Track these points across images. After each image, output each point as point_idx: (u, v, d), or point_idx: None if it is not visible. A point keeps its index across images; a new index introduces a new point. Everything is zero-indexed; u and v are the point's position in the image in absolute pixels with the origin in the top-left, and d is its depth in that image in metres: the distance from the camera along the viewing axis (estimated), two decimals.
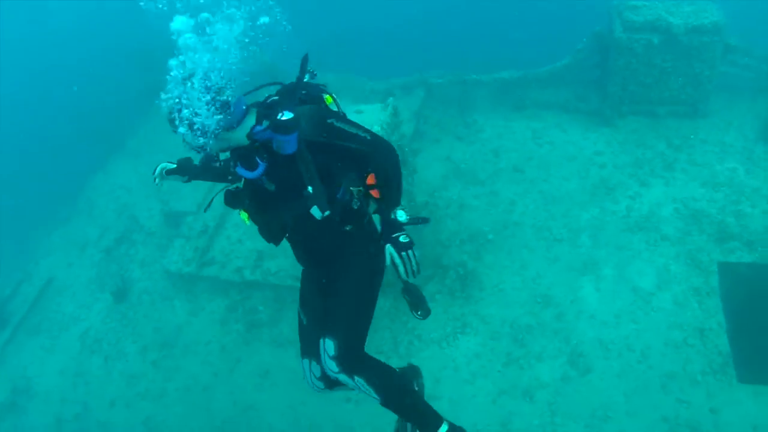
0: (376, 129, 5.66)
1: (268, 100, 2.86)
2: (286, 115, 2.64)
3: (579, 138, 8.49)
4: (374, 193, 2.85)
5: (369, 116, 6.07)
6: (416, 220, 2.89)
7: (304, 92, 2.87)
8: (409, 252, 2.71)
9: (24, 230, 10.61)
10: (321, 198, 2.69)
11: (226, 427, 6.36)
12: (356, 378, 2.84)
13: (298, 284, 3.39)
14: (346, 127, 2.75)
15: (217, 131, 2.64)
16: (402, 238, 2.72)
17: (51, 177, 11.14)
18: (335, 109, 2.96)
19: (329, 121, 2.73)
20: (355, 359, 2.88)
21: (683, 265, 6.52)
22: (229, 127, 2.70)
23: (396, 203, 2.84)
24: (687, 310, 6.12)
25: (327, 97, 2.96)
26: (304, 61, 3.05)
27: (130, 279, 8.60)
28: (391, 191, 2.83)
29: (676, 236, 6.85)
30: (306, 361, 3.23)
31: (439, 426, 2.92)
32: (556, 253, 6.96)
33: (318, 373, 3.16)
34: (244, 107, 2.76)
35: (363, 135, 2.75)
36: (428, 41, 11.78)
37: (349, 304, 2.95)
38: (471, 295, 6.75)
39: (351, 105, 6.37)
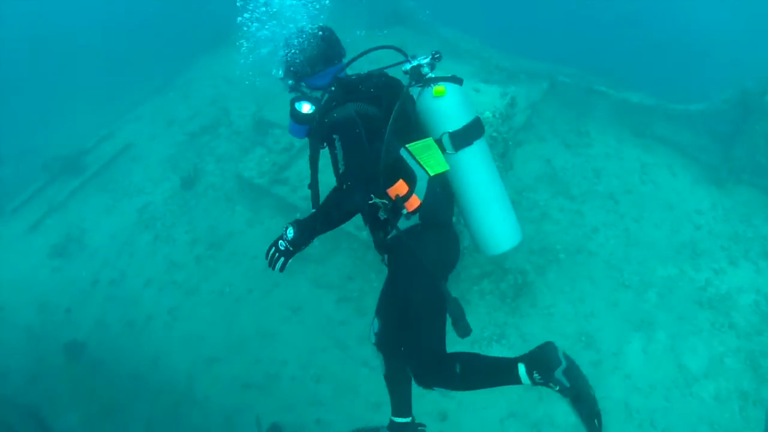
0: (487, 114, 5.65)
1: (349, 79, 3.15)
2: (302, 106, 3.06)
3: (686, 188, 8.17)
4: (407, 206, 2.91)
5: (485, 98, 6.00)
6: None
7: (372, 89, 3.06)
8: (272, 250, 3.09)
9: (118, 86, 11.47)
10: (314, 193, 3.10)
11: (241, 346, 6.74)
12: (380, 357, 3.41)
13: (357, 233, 3.57)
14: (341, 149, 2.88)
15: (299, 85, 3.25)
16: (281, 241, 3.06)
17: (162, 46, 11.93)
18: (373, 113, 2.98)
19: (334, 135, 2.91)
20: (386, 346, 3.29)
21: (740, 363, 6.16)
22: (313, 88, 3.21)
23: (307, 223, 3.00)
24: (725, 411, 5.81)
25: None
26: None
27: (202, 169, 9.14)
28: (317, 213, 3.00)
29: (745, 330, 6.45)
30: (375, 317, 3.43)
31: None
32: (618, 298, 6.81)
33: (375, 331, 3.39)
34: (329, 78, 3.14)
35: (341, 165, 2.89)
36: (570, 28, 11.53)
37: (386, 295, 3.24)
38: (519, 307, 6.71)
39: (471, 80, 6.31)
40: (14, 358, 7.10)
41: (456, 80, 3.11)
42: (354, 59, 3.23)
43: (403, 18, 11.11)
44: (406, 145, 2.94)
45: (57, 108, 11.78)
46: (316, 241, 3.15)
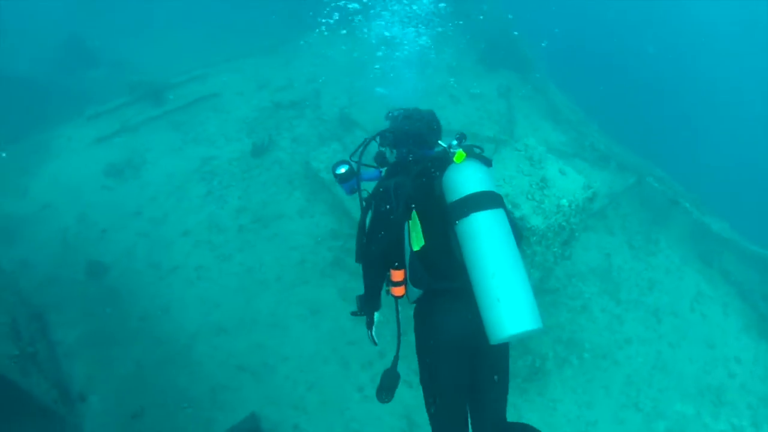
0: (563, 203, 6.00)
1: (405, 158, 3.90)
2: (340, 168, 4.01)
3: (733, 332, 8.30)
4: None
5: (568, 185, 6.29)
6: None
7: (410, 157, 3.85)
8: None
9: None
10: (357, 244, 3.67)
11: (251, 328, 7.23)
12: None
13: None
14: (363, 211, 3.70)
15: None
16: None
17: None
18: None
19: (363, 196, 3.81)
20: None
21: None
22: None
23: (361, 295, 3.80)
24: None
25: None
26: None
27: (276, 143, 9.76)
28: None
29: None
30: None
31: None
32: (625, 418, 7.01)
33: None
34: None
35: (360, 229, 3.68)
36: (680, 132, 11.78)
37: None
38: (527, 390, 6.98)
39: (559, 159, 6.65)
40: (40, 255, 7.84)
41: (483, 159, 3.59)
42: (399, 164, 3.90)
43: (516, 64, 11.55)
44: (407, 222, 3.52)
45: (167, 29, 12.77)
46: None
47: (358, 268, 4.03)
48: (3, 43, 11.52)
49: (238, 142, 9.82)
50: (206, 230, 8.33)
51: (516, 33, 11.60)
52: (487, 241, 3.20)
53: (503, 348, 3.47)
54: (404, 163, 3.81)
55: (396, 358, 3.72)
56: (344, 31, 12.14)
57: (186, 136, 9.89)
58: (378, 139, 4.03)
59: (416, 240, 3.42)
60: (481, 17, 11.57)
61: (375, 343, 3.87)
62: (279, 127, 10.21)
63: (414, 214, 3.49)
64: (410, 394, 6.15)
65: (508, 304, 3.08)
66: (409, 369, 5.35)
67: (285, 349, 7.06)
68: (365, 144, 4.01)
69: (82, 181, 8.94)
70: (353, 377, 6.84)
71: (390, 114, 4.18)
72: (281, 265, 7.93)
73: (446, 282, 3.38)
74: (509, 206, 6.01)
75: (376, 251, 3.56)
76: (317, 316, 7.45)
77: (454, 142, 3.70)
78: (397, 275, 3.54)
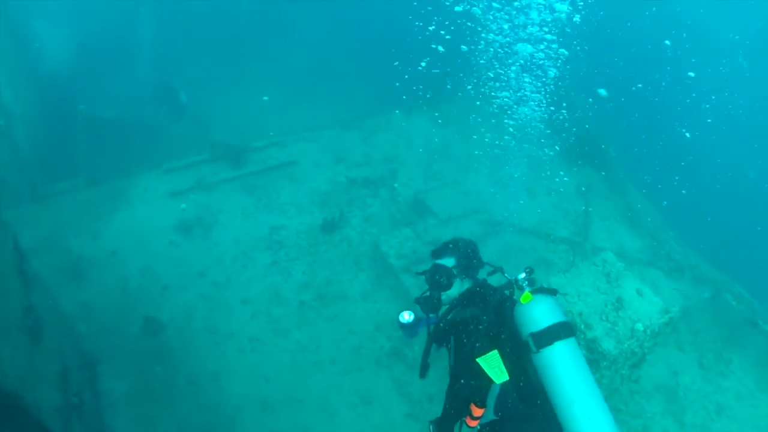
0: (638, 327, 6.26)
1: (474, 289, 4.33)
2: (403, 316, 4.51)
3: None
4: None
5: (645, 307, 6.56)
6: None
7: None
8: None
9: None
10: (422, 367, 4.24)
11: (298, 409, 7.59)
12: None
13: None
14: (454, 348, 4.10)
15: None
16: None
17: None
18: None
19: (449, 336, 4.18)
20: None
21: None
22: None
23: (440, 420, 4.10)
24: None
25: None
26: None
27: (347, 220, 10.40)
28: (444, 407, 4.05)
29: None
30: None
31: None
32: None
33: None
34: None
35: (452, 361, 4.10)
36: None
37: None
38: None
39: (636, 277, 6.92)
40: (101, 301, 8.53)
41: (548, 291, 3.99)
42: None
43: (598, 161, 11.96)
44: (477, 359, 3.90)
45: (249, 91, 13.89)
46: (416, 345, 4.16)
47: (416, 360, 4.57)
48: (92, 81, 12.76)
49: (309, 214, 10.50)
50: (266, 301, 8.89)
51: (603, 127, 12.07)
52: (565, 369, 3.66)
53: None
54: (475, 294, 4.24)
55: None
56: (437, 114, 12.99)
57: (259, 201, 10.64)
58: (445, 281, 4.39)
59: (498, 373, 3.86)
60: (567, 124, 12.15)
61: None
62: (352, 204, 10.86)
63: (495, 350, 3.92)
64: None
65: (590, 423, 3.51)
66: None
67: None
68: (435, 298, 4.41)
69: (151, 233, 9.73)
70: None
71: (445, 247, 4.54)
72: (338, 348, 8.36)
73: (527, 410, 3.89)
74: (582, 326, 6.32)
75: (470, 388, 3.96)
76: (368, 406, 7.78)
77: (521, 276, 4.09)
78: (478, 411, 3.99)
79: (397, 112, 13.27)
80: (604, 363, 6.36)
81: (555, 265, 9.68)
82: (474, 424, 4.04)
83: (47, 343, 6.21)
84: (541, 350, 3.71)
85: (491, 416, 4.06)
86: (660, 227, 11.00)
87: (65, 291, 8.36)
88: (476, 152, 11.97)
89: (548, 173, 11.68)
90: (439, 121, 13.04)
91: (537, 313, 3.83)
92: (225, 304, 8.84)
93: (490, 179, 11.34)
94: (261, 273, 9.36)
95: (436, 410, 6.99)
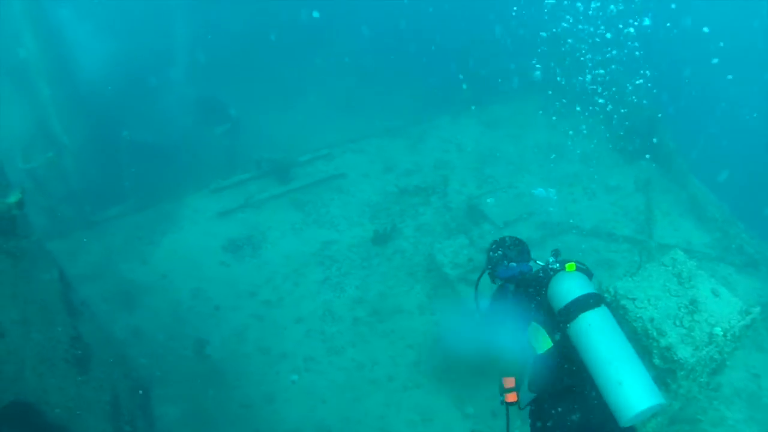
0: (716, 331, 5.74)
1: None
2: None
3: None
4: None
5: (722, 308, 5.98)
6: None
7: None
8: None
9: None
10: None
11: (352, 431, 7.39)
12: None
13: None
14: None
15: None
16: None
17: None
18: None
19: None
20: None
21: None
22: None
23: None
24: None
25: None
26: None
27: (399, 231, 10.16)
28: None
29: None
30: None
31: None
32: None
33: None
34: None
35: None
36: None
37: None
38: None
39: (710, 276, 6.40)
40: (152, 325, 8.50)
41: (584, 270, 4.41)
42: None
43: (656, 153, 11.40)
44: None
45: (292, 104, 13.88)
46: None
47: (476, 374, 4.84)
48: (136, 106, 12.93)
49: (359, 227, 10.31)
50: (320, 319, 8.72)
51: (659, 115, 11.53)
52: (597, 335, 3.97)
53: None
54: (518, 279, 4.73)
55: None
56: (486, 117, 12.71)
57: (308, 217, 10.52)
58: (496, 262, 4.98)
59: (542, 344, 4.26)
60: (624, 110, 11.68)
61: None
62: (403, 213, 10.62)
63: (534, 323, 4.37)
64: None
65: (629, 384, 3.78)
66: None
67: None
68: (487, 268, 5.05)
69: (201, 254, 9.69)
70: None
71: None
72: (395, 364, 8.11)
73: (567, 382, 4.16)
74: (654, 333, 5.88)
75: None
76: (428, 424, 7.49)
77: (551, 259, 4.58)
78: (509, 381, 4.47)
79: (444, 116, 13.05)
80: (681, 373, 5.88)
81: (618, 265, 9.20)
82: (512, 397, 4.43)
83: (96, 372, 6.16)
84: (573, 320, 4.03)
85: (528, 394, 4.36)
86: (728, 219, 10.36)
87: (117, 317, 8.39)
88: (528, 153, 11.65)
89: (604, 170, 11.23)
90: (488, 123, 12.78)
91: (567, 286, 4.19)
92: (277, 323, 8.71)
93: (545, 180, 10.97)
94: (313, 290, 9.20)
95: (500, 425, 6.81)
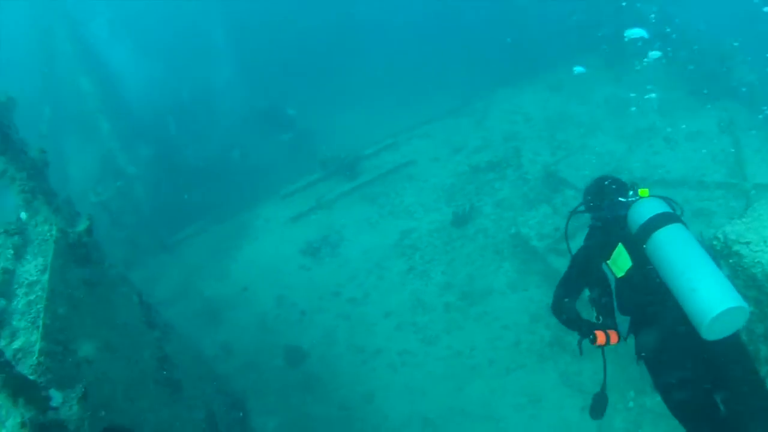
0: None
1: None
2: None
3: None
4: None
5: None
6: None
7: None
8: None
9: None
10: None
11: (461, 420, 7.02)
12: None
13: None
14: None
15: None
16: None
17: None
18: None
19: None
20: None
21: None
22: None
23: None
24: None
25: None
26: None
27: (478, 210, 9.76)
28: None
29: None
30: None
31: None
32: None
33: None
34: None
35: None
36: None
37: None
38: None
39: None
40: (240, 339, 8.42)
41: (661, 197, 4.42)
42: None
43: (737, 91, 10.59)
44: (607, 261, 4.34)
45: (348, 100, 13.72)
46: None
47: (586, 349, 4.50)
48: (192, 125, 13.04)
49: (436, 212, 9.99)
50: (409, 311, 8.45)
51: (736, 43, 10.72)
52: (670, 248, 3.92)
53: (732, 343, 3.81)
54: (606, 217, 4.65)
55: (604, 382, 4.53)
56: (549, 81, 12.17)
57: (382, 209, 10.28)
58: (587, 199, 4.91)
59: (620, 267, 4.24)
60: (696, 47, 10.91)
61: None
62: (479, 191, 10.24)
63: (615, 250, 4.30)
64: None
65: (703, 290, 3.63)
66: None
67: None
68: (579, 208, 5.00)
69: (280, 262, 9.60)
70: None
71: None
72: (494, 347, 7.73)
73: (652, 298, 4.03)
74: None
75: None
76: (537, 405, 7.08)
77: (630, 192, 4.62)
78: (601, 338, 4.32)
79: (505, 88, 12.61)
80: None
81: (714, 214, 8.49)
82: (601, 338, 4.26)
83: (189, 391, 6.06)
84: (649, 238, 4.00)
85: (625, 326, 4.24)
86: None
87: (204, 335, 8.34)
88: (599, 111, 11.05)
89: (682, 116, 10.50)
90: (552, 87, 12.26)
91: (642, 209, 4.21)
92: (366, 320, 8.49)
93: (620, 136, 10.38)
94: (398, 282, 8.94)
95: (613, 399, 6.35)
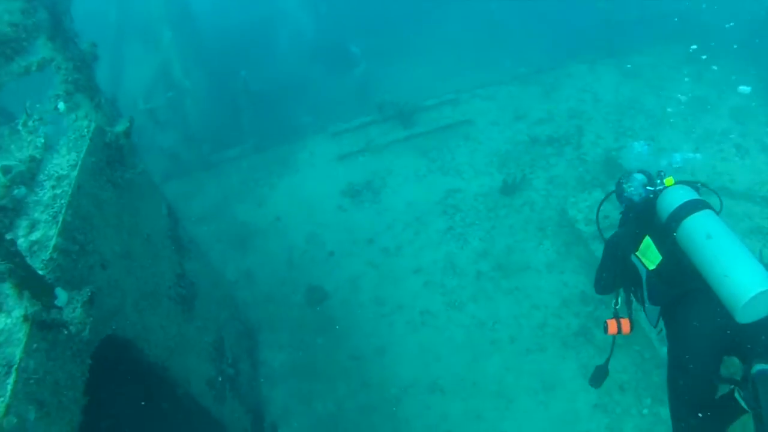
0: None
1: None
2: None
3: None
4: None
5: None
6: None
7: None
8: None
9: None
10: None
11: (471, 392, 6.92)
12: None
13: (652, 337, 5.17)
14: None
15: None
16: None
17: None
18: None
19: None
20: None
21: None
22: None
23: None
24: None
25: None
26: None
27: (529, 182, 9.42)
28: None
29: None
30: None
31: None
32: None
33: None
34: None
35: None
36: None
37: None
38: None
39: None
40: (264, 269, 8.37)
41: (689, 183, 4.57)
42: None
43: None
44: (636, 254, 4.51)
45: (420, 50, 13.33)
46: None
47: (608, 343, 4.98)
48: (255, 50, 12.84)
49: (487, 176, 9.68)
50: (440, 271, 8.25)
51: None
52: (701, 235, 3.99)
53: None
54: (637, 206, 4.85)
55: (609, 357, 4.89)
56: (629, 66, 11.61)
57: (432, 163, 10.01)
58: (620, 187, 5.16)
59: (651, 260, 4.36)
60: None
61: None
62: (534, 164, 9.86)
63: (643, 243, 4.46)
64: None
65: (735, 274, 3.74)
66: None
67: (505, 425, 6.62)
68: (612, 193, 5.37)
69: (318, 198, 9.46)
70: None
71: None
72: (518, 325, 7.51)
73: (684, 287, 4.15)
74: None
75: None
76: (550, 393, 6.88)
77: (658, 181, 4.73)
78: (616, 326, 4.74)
79: (580, 64, 12.06)
80: None
81: None
82: (613, 327, 4.72)
83: (202, 312, 6.00)
84: (679, 226, 4.10)
85: (654, 309, 4.42)
86: None
87: (229, 259, 8.31)
88: (669, 108, 10.48)
89: (760, 125, 9.86)
90: (629, 67, 11.66)
91: (671, 197, 4.33)
92: (394, 273, 8.31)
93: (688, 135, 9.83)
94: (435, 240, 8.72)
95: (629, 402, 6.18)
